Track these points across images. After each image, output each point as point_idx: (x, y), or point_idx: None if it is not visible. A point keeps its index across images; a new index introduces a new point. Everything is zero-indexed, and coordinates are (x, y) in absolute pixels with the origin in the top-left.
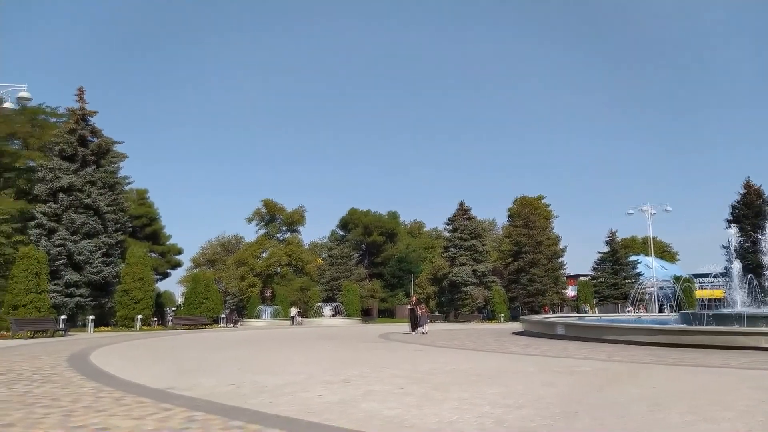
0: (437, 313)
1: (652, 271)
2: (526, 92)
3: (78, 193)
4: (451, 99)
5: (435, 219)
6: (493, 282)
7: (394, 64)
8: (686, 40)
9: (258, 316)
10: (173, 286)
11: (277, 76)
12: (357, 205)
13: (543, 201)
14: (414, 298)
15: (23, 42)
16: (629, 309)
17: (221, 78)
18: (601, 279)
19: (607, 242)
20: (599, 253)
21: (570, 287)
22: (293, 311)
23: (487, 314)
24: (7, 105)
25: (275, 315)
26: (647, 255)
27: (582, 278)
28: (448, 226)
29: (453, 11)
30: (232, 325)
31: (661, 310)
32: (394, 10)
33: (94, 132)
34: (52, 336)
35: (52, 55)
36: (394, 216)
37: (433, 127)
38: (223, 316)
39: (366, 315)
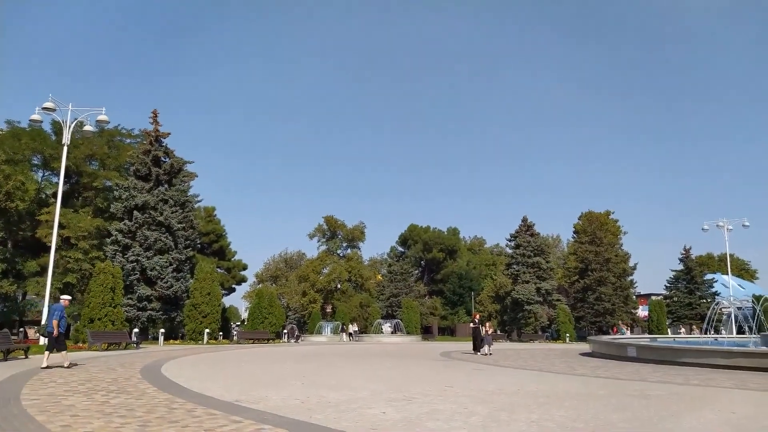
0: (499, 332)
1: (730, 290)
2: (592, 101)
3: (151, 211)
4: (511, 112)
5: (496, 235)
6: (558, 300)
7: (453, 75)
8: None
9: (319, 332)
10: (238, 301)
11: (338, 92)
12: (417, 221)
13: (611, 216)
14: (477, 316)
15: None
16: (681, 331)
17: (282, 93)
18: (675, 298)
19: (681, 260)
20: (673, 271)
21: (641, 307)
22: (351, 328)
23: (552, 334)
24: (87, 128)
25: (336, 331)
26: (724, 273)
27: (654, 297)
28: (510, 243)
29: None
30: (293, 340)
31: (740, 332)
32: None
33: (167, 152)
34: (125, 348)
35: (129, 76)
36: (454, 232)
37: (493, 141)
38: (285, 331)
39: (426, 333)
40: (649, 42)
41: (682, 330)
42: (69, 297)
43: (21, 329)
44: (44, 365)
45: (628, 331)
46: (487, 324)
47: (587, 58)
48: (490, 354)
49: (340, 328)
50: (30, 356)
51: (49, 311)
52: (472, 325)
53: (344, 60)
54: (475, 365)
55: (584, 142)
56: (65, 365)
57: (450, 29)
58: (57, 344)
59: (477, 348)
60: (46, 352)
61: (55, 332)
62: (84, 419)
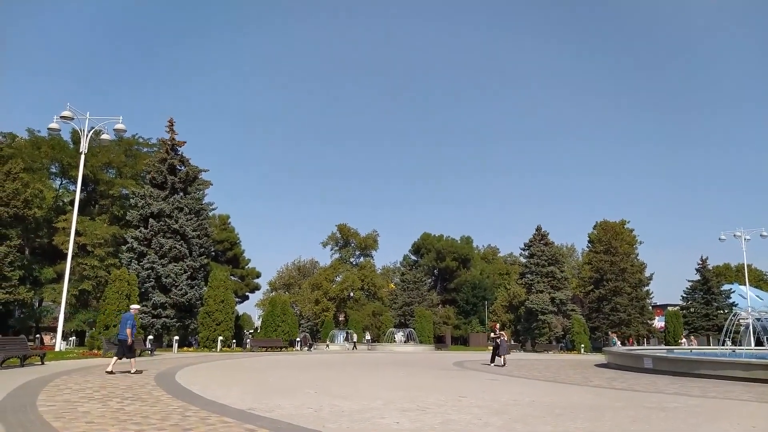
0: (513, 342)
1: (747, 301)
2: (607, 109)
3: (167, 219)
4: (525, 119)
5: (510, 244)
6: (572, 310)
7: (467, 85)
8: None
9: (332, 340)
10: (251, 309)
11: (353, 102)
12: (430, 229)
13: (626, 226)
14: (496, 325)
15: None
16: (682, 341)
17: (298, 103)
18: (692, 309)
19: (698, 270)
20: (689, 281)
21: (657, 317)
22: (355, 337)
23: (567, 344)
24: (104, 136)
25: (348, 339)
26: (741, 284)
27: (671, 308)
28: (524, 252)
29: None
30: (306, 348)
31: (758, 344)
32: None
33: (183, 161)
34: (140, 355)
35: (147, 86)
36: (467, 241)
37: (507, 150)
38: (298, 339)
39: (439, 342)
40: (664, 49)
41: (683, 341)
42: (138, 306)
43: (37, 335)
44: (109, 370)
45: (619, 342)
46: (503, 332)
47: (601, 68)
48: (504, 365)
49: (346, 337)
50: (46, 363)
51: (121, 320)
52: (493, 335)
53: (359, 71)
54: (489, 375)
55: (598, 151)
56: (132, 371)
57: (463, 40)
58: (128, 351)
59: (493, 359)
60: (114, 358)
61: (130, 340)
62: (99, 426)
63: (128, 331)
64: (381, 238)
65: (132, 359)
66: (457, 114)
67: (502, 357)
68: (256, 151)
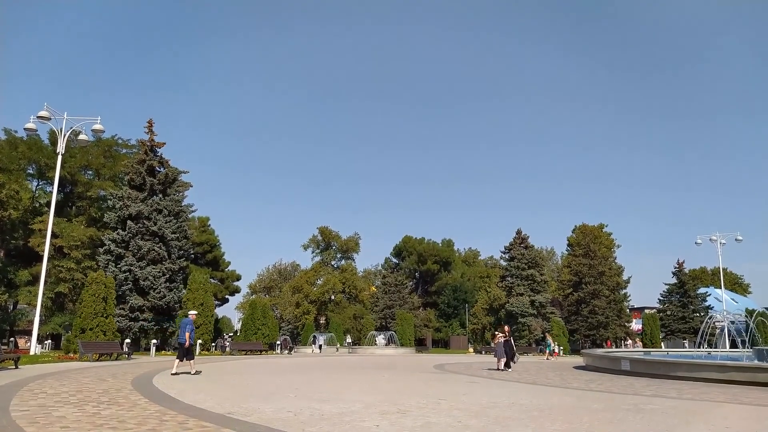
0: (492, 345)
1: (723, 304)
2: (586, 115)
3: (145, 221)
4: (506, 124)
5: (491, 247)
6: (552, 313)
7: (448, 90)
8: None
9: (312, 343)
10: (231, 311)
11: (334, 106)
12: (411, 232)
13: (605, 229)
14: (507, 328)
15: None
16: (628, 343)
17: (278, 105)
18: (669, 312)
19: (675, 273)
20: (666, 284)
21: (635, 320)
22: (321, 339)
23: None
24: (82, 137)
25: (329, 342)
26: (717, 287)
27: (648, 311)
28: (504, 255)
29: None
30: (286, 351)
31: (733, 346)
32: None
33: (162, 162)
34: (117, 359)
35: (127, 88)
36: (448, 244)
37: (486, 154)
38: (278, 342)
39: (419, 345)
40: (643, 55)
41: (629, 342)
42: (195, 312)
43: (11, 339)
44: (174, 371)
45: (554, 344)
46: (500, 335)
47: (580, 73)
48: (501, 370)
49: (312, 340)
50: (20, 366)
51: (180, 325)
52: (503, 337)
53: (341, 74)
54: (470, 378)
55: (578, 156)
56: (192, 372)
57: (446, 44)
58: (187, 354)
59: (508, 364)
60: (176, 361)
61: (187, 343)
62: (74, 431)
63: (187, 335)
64: (362, 240)
65: (191, 361)
66: (439, 118)
67: (499, 360)
68: (237, 153)
